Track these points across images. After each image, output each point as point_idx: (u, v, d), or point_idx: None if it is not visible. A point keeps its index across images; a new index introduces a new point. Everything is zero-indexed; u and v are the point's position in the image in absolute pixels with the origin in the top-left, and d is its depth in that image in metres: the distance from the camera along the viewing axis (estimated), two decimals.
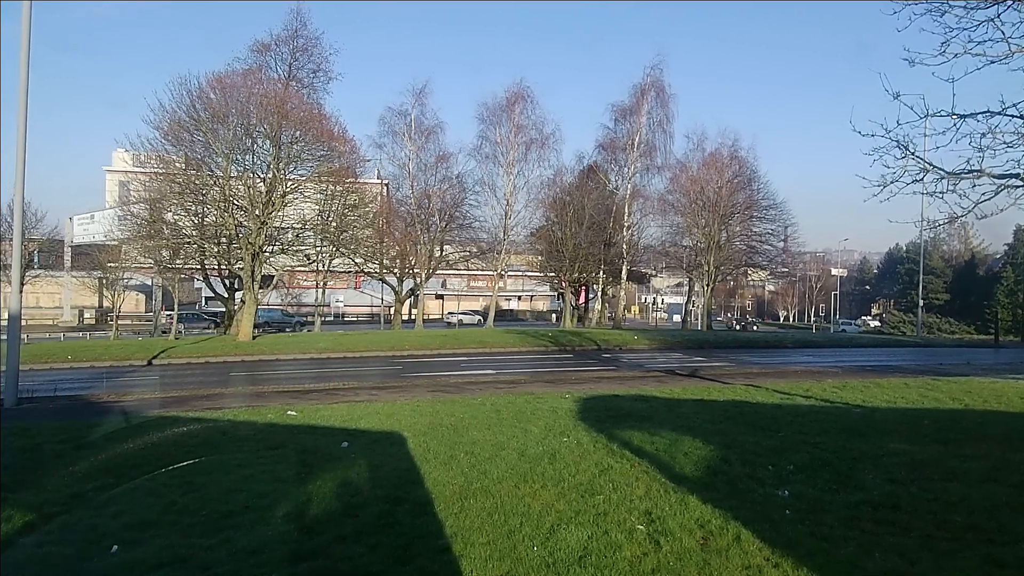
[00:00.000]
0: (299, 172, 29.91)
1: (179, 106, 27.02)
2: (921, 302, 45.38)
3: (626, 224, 42.94)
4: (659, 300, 71.53)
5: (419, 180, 38.98)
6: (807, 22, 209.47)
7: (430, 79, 62.41)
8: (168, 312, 38.48)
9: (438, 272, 43.80)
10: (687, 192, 41.28)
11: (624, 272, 44.06)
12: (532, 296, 73.18)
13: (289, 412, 9.94)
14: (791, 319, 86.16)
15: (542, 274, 50.36)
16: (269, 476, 6.09)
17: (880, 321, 68.91)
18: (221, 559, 4.14)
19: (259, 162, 28.79)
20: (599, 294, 47.37)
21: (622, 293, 47.87)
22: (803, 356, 24.91)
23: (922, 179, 7.62)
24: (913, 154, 7.51)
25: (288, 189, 28.86)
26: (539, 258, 46.81)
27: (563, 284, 44.58)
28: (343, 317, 57.64)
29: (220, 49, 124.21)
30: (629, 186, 43.39)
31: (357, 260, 36.19)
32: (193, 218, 29.60)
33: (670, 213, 43.45)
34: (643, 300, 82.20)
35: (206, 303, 52.97)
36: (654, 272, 53.18)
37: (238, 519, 4.86)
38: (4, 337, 13.96)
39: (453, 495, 5.39)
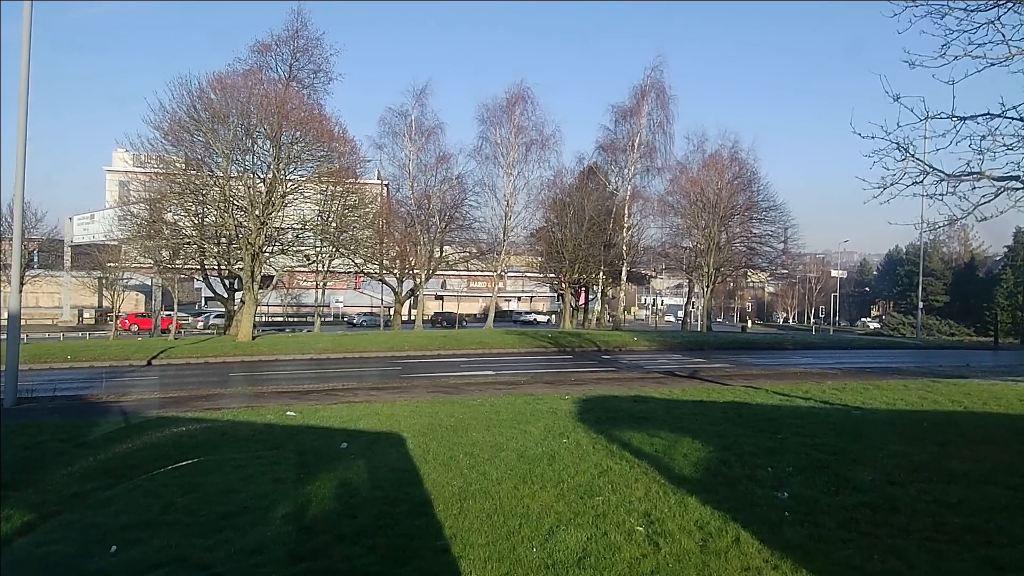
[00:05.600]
0: (299, 172, 29.96)
1: (179, 106, 27.11)
2: (921, 304, 45.36)
3: (626, 225, 42.96)
4: (659, 301, 71.54)
5: (419, 181, 39.03)
6: (808, 24, 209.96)
7: (431, 80, 62.59)
8: (168, 312, 38.56)
9: (438, 273, 43.80)
10: (687, 193, 41.29)
11: (624, 273, 44.07)
12: (532, 297, 73.18)
13: (288, 412, 9.94)
14: (791, 320, 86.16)
15: (542, 275, 50.38)
16: (268, 476, 6.09)
17: (880, 323, 68.90)
18: (220, 559, 4.14)
19: (259, 162, 28.86)
20: (599, 295, 47.37)
21: (622, 294, 47.88)
22: (802, 358, 24.91)
23: (922, 181, 7.65)
24: (913, 156, 7.53)
25: (288, 189, 28.90)
26: (539, 259, 46.82)
27: (563, 285, 44.58)
28: (343, 317, 57.64)
29: (221, 49, 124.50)
30: (629, 187, 43.44)
31: (357, 261, 36.21)
32: (193, 218, 29.60)
33: (670, 214, 43.49)
34: (643, 301, 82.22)
35: (206, 303, 52.98)
36: (654, 273, 53.18)
37: (237, 519, 4.86)
38: (4, 337, 13.96)
39: (452, 496, 5.39)
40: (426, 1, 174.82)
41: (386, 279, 39.23)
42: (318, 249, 33.72)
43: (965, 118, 7.12)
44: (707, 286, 42.53)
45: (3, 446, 7.52)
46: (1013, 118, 7.05)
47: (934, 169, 7.55)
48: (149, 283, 44.23)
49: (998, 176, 7.27)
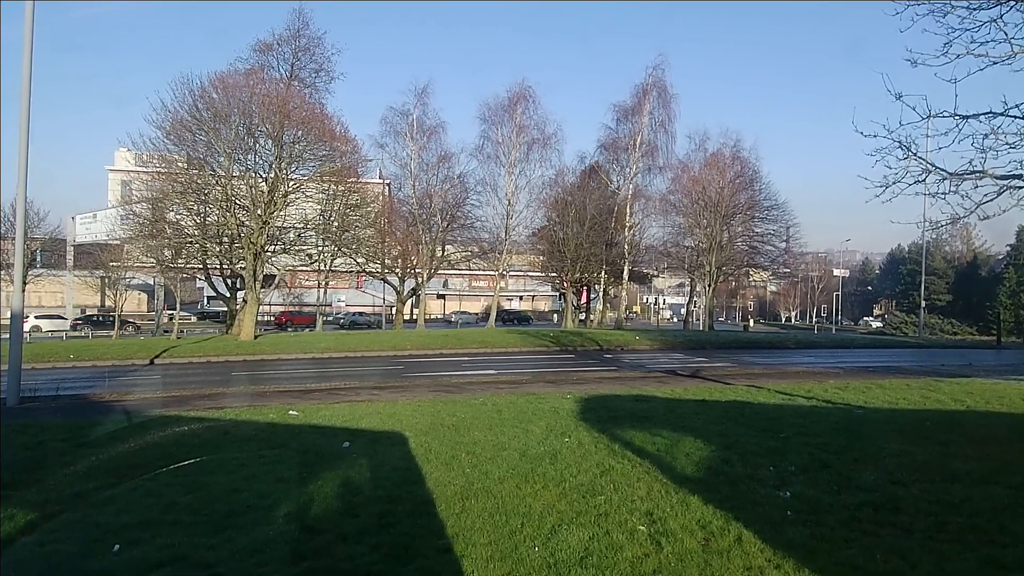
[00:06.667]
0: (301, 172, 30.00)
1: (181, 106, 27.18)
2: (923, 303, 45.29)
3: (628, 224, 42.93)
4: (661, 300, 71.55)
5: (421, 180, 39.07)
6: (810, 23, 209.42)
7: (432, 79, 62.69)
8: (170, 311, 38.74)
9: (440, 272, 43.83)
10: (689, 192, 41.27)
11: (626, 272, 44.06)
12: (534, 296, 73.19)
13: (290, 412, 9.95)
14: (793, 320, 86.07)
15: (544, 274, 50.38)
16: (270, 476, 6.09)
17: (882, 322, 68.82)
18: (223, 558, 4.14)
19: (261, 162, 28.92)
20: (601, 294, 47.38)
21: (624, 293, 47.83)
22: (805, 357, 24.88)
23: (924, 180, 7.64)
24: (915, 155, 7.51)
25: (290, 189, 28.94)
26: (541, 258, 46.83)
27: (565, 284, 44.57)
28: (342, 317, 57.75)
29: (220, 49, 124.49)
30: (631, 186, 43.42)
31: (359, 260, 36.26)
32: (195, 217, 29.67)
33: (672, 213, 43.51)
34: (645, 300, 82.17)
35: (208, 302, 53.19)
36: (656, 272, 53.17)
37: (239, 518, 4.86)
38: (6, 336, 13.98)
39: (454, 495, 5.39)
40: (426, 1, 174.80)
41: (388, 278, 39.26)
42: (320, 248, 33.79)
43: (967, 116, 7.11)
44: (709, 285, 42.50)
45: (6, 445, 7.53)
46: (1016, 116, 7.04)
47: (936, 168, 7.54)
48: (151, 282, 44.33)
49: (1001, 175, 7.26)
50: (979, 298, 59.63)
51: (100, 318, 42.87)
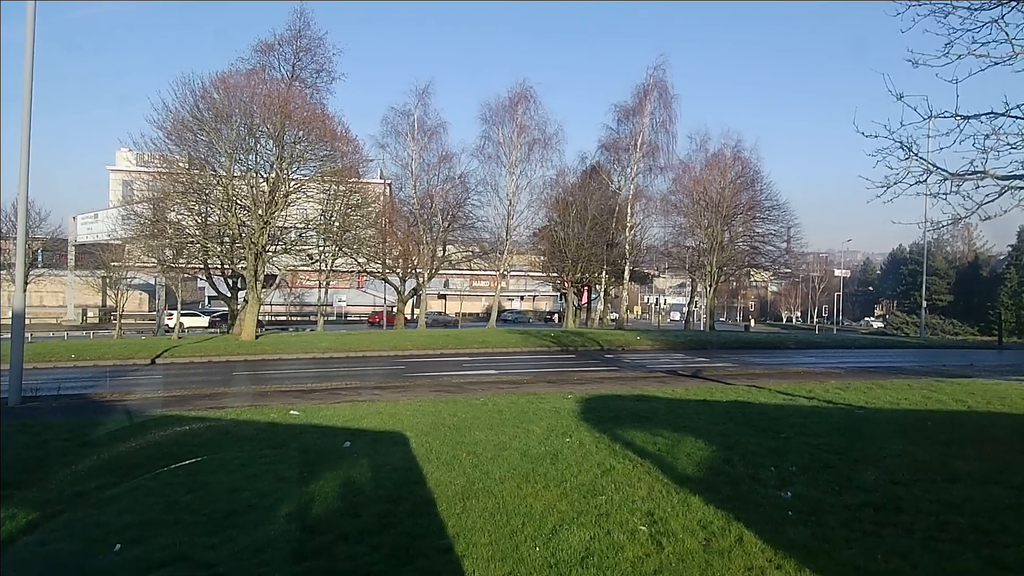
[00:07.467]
0: (302, 172, 30.02)
1: (183, 106, 27.20)
2: (924, 303, 45.28)
3: (629, 224, 42.91)
4: (662, 300, 71.52)
5: (422, 180, 39.09)
6: (810, 23, 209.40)
7: (433, 79, 62.27)
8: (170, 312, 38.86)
9: (440, 272, 43.83)
10: (690, 192, 41.26)
11: (627, 272, 44.04)
12: (535, 296, 73.18)
13: (291, 411, 9.96)
14: (794, 320, 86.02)
15: (544, 274, 50.37)
16: (271, 475, 6.10)
17: (883, 322, 68.77)
18: (223, 558, 4.15)
19: (262, 162, 28.92)
20: (602, 294, 47.39)
21: (625, 294, 47.80)
22: (806, 357, 24.86)
23: (925, 180, 7.62)
24: (916, 155, 7.50)
25: (291, 189, 28.95)
26: (541, 258, 46.81)
27: (565, 284, 44.56)
28: (346, 317, 57.88)
29: (220, 49, 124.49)
30: (632, 186, 43.38)
31: (360, 260, 36.26)
32: (196, 217, 29.70)
33: (673, 213, 43.51)
34: (646, 300, 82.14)
35: (209, 302, 53.27)
36: (657, 272, 53.12)
37: (240, 518, 4.86)
38: (8, 336, 13.99)
39: (455, 495, 5.40)
40: (426, 1, 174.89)
41: (389, 278, 39.27)
42: (321, 248, 33.81)
43: (969, 117, 7.09)
44: (710, 285, 42.49)
45: (7, 445, 7.54)
46: (1017, 117, 7.02)
47: (938, 168, 7.52)
48: (153, 282, 44.41)
49: (1002, 175, 7.24)
50: (980, 298, 59.53)
51: None
